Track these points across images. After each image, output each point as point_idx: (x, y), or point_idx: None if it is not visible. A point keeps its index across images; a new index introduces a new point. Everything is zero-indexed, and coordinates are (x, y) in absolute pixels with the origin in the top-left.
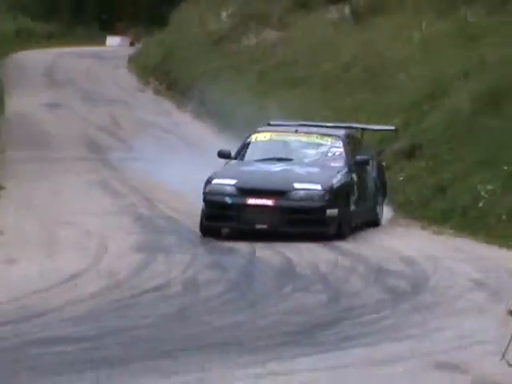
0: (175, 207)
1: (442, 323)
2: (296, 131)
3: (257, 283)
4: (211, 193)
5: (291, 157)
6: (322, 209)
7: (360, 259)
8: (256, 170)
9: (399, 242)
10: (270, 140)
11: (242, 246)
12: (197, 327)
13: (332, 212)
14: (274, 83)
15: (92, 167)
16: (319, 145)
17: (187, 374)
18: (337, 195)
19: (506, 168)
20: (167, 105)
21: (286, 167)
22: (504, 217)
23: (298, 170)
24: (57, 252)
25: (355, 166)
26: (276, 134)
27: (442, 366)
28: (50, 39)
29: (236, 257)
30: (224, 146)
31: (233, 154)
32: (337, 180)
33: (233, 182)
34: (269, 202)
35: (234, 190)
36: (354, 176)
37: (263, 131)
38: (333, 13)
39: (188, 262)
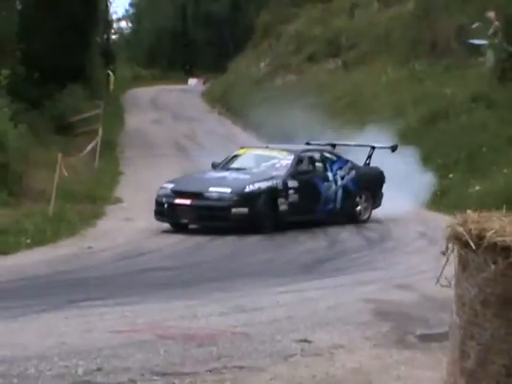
0: None
1: (398, 260)
2: (266, 147)
3: (282, 235)
4: (158, 194)
5: (246, 167)
6: (228, 208)
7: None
8: (195, 176)
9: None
10: (244, 154)
11: None
12: (243, 262)
13: (239, 210)
14: (293, 109)
15: (179, 160)
16: (275, 158)
17: (238, 290)
18: (248, 197)
19: (439, 161)
20: (226, 121)
21: (225, 174)
22: (438, 193)
23: (231, 176)
24: None
25: (299, 175)
26: (251, 149)
27: (399, 286)
28: (153, 80)
29: None
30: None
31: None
32: (254, 185)
33: (171, 186)
34: (188, 202)
35: (170, 192)
36: (294, 183)
37: (245, 147)
38: (330, 63)
39: None
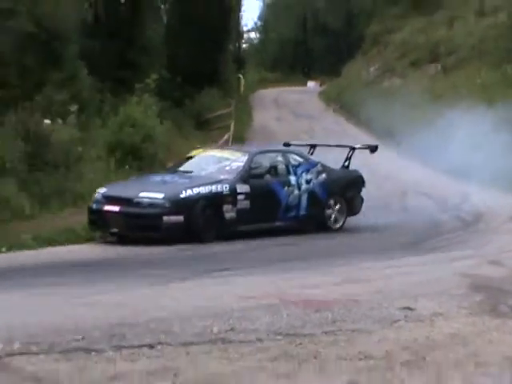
0: None
1: (489, 239)
2: (222, 148)
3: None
4: (92, 200)
5: (194, 169)
6: (160, 216)
7: (444, 205)
8: (134, 180)
9: (475, 196)
10: (198, 155)
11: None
12: (352, 240)
13: (171, 219)
14: (398, 107)
15: None
16: (227, 159)
17: (349, 265)
18: (183, 204)
19: None
20: (340, 118)
21: (166, 178)
22: None
23: (171, 180)
24: None
25: (253, 179)
26: (206, 150)
27: (491, 263)
28: (276, 82)
29: None
30: (370, 141)
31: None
32: (193, 190)
33: (103, 190)
34: (116, 209)
35: (101, 198)
36: (245, 188)
37: (201, 148)
38: (431, 68)
39: None
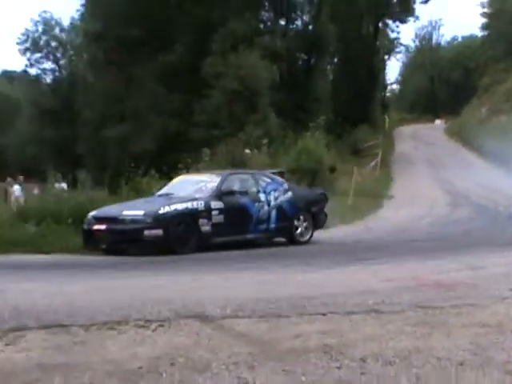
0: (461, 186)
1: None
2: (200, 172)
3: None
4: (84, 222)
5: (174, 191)
6: (141, 230)
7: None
8: (121, 203)
9: None
10: (179, 179)
11: None
12: (471, 237)
13: (152, 233)
14: (503, 138)
15: (429, 170)
16: (203, 181)
17: (468, 255)
18: (162, 219)
19: None
20: (458, 145)
21: (149, 199)
22: None
23: (153, 200)
24: (414, 206)
25: (226, 196)
26: (187, 175)
27: None
28: (412, 121)
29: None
30: (480, 162)
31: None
32: (170, 207)
33: (93, 213)
34: (103, 227)
35: (91, 219)
36: (218, 204)
37: (181, 174)
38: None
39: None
